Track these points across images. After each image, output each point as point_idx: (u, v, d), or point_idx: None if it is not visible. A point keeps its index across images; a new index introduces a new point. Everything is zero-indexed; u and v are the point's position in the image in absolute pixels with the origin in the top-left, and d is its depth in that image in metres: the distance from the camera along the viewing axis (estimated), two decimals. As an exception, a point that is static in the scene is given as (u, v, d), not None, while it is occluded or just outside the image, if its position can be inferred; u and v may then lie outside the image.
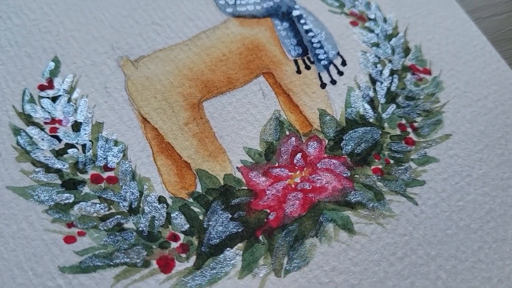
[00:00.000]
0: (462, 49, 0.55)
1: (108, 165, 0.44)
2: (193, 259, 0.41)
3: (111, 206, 0.43)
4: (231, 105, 0.49)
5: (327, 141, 0.48)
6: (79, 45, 0.51)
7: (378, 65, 0.52)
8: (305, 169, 0.46)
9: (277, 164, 0.46)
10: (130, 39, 0.52)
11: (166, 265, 0.41)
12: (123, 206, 0.43)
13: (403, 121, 0.49)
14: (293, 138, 0.47)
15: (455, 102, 0.51)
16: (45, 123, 0.46)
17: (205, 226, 0.43)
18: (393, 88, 0.51)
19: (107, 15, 0.53)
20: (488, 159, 0.48)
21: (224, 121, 0.48)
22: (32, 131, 0.45)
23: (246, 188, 0.45)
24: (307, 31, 0.54)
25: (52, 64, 0.49)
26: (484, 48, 0.56)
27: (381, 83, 0.51)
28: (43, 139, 0.45)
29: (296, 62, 0.52)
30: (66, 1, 0.53)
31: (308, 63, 0.52)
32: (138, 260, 0.41)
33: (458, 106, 0.51)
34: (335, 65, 0.52)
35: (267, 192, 0.45)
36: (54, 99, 0.47)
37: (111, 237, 0.41)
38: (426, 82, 0.52)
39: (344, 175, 0.46)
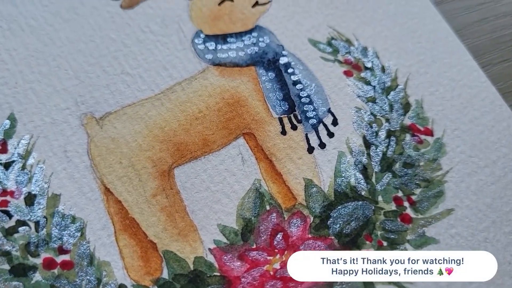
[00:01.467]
0: (469, 103, 0.49)
1: (64, 246, 0.39)
2: None
3: (64, 298, 0.38)
4: (206, 172, 0.44)
5: (312, 218, 0.42)
6: (39, 99, 0.45)
7: (374, 125, 0.47)
8: (286, 252, 0.41)
9: (254, 246, 0.41)
10: (96, 92, 0.46)
11: None
12: (78, 297, 0.38)
13: (400, 194, 0.44)
14: (274, 214, 0.42)
15: (459, 169, 0.46)
16: (-5, 195, 0.41)
17: (170, 320, 0.38)
18: (389, 153, 0.45)
19: (72, 64, 0.47)
20: (495, 239, 0.43)
21: (197, 192, 0.43)
22: (-20, 205, 0.40)
23: (218, 274, 0.40)
24: (295, 83, 0.48)
25: (7, 123, 0.44)
26: (493, 102, 0.50)
27: (376, 147, 0.46)
28: (-9, 215, 0.40)
29: (281, 120, 0.46)
30: (28, 47, 0.48)
31: (295, 122, 0.46)
32: None
33: (462, 174, 0.45)
34: (325, 125, 0.46)
35: (242, 279, 0.40)
36: (6, 165, 0.42)
37: (62, 335, 0.37)
38: (427, 145, 0.46)
39: (330, 260, 0.41)
